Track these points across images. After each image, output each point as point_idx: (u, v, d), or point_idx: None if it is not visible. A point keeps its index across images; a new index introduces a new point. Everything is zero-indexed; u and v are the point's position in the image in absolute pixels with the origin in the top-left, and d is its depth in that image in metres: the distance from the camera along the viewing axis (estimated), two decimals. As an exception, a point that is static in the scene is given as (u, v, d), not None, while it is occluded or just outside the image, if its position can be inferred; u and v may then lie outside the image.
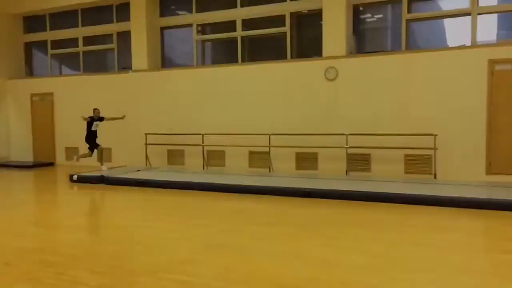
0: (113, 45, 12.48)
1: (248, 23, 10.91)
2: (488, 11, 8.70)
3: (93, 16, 12.85)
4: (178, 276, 3.86)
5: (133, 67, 11.72)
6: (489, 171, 8.26)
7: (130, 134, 11.54)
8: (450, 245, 4.75)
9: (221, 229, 5.59)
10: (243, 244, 4.87)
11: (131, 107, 11.41)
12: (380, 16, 10.51)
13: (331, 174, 9.35)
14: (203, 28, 11.74)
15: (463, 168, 8.43)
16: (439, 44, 9.69)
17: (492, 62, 8.11)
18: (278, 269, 4.01)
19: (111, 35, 12.51)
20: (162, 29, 11.96)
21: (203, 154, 10.69)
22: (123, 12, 12.12)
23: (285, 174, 9.58)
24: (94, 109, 10.17)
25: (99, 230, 6.07)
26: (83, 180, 9.43)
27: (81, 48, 13.02)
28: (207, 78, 10.84)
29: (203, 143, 10.56)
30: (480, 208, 6.36)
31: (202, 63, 11.70)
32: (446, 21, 9.70)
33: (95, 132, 10.21)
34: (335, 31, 9.43)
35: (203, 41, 11.80)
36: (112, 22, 12.47)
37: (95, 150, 10.30)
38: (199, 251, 4.61)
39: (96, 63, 13.24)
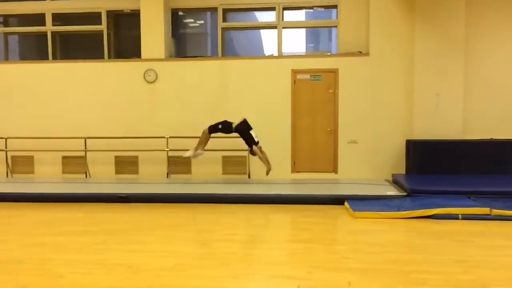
0: None
1: (62, 18, 10.11)
2: (291, 25, 9.71)
3: None
4: (-44, 303, 3.35)
5: None
6: (294, 169, 9.24)
7: None
8: (255, 239, 5.16)
9: (20, 243, 5.04)
10: (45, 257, 4.48)
11: None
12: (202, 22, 10.84)
13: (152, 177, 9.27)
14: (6, 20, 10.45)
15: (273, 167, 9.19)
16: (257, 52, 10.45)
17: (294, 72, 9.09)
18: (79, 281, 3.79)
19: None
20: (-48, 16, 10.27)
21: (6, 161, 9.51)
22: None
23: (103, 179, 9.16)
24: None
25: None
26: None
27: None
28: (12, 75, 9.68)
29: (6, 148, 9.41)
30: (286, 203, 7.02)
31: (6, 58, 10.40)
32: (263, 32, 10.53)
33: None
34: (153, 33, 9.38)
35: (7, 34, 10.50)
36: None
37: None
38: (-12, 271, 4.07)
39: None
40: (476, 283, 3.69)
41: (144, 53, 9.46)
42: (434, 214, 5.95)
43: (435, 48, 8.55)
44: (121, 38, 10.36)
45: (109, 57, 9.90)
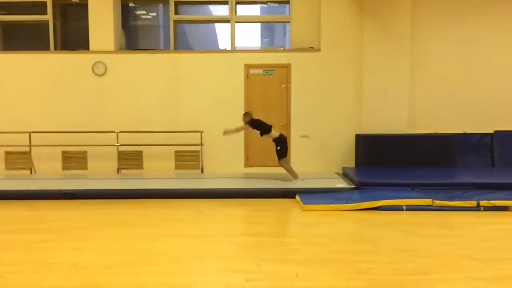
0: None
1: (5, 7, 9.59)
2: (244, 20, 9.70)
3: None
4: None
5: None
6: (247, 163, 9.27)
7: None
8: (207, 234, 5.12)
9: (-44, 244, 4.79)
10: (-17, 258, 4.28)
11: None
12: (154, 14, 10.61)
13: (101, 173, 9.02)
14: None
15: (226, 162, 9.21)
16: (211, 46, 10.36)
17: (247, 67, 9.10)
18: (18, 281, 3.63)
19: None
20: None
21: None
22: None
23: (49, 175, 8.82)
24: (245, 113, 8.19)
25: None
26: None
27: None
28: None
29: None
30: (239, 198, 7.03)
31: None
32: (217, 26, 10.42)
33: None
34: (102, 25, 9.10)
35: None
36: None
37: None
38: None
39: None
40: (417, 271, 3.85)
41: (93, 45, 9.16)
42: (380, 206, 6.16)
43: (382, 46, 8.80)
44: (68, 29, 9.97)
45: (56, 49, 9.50)
